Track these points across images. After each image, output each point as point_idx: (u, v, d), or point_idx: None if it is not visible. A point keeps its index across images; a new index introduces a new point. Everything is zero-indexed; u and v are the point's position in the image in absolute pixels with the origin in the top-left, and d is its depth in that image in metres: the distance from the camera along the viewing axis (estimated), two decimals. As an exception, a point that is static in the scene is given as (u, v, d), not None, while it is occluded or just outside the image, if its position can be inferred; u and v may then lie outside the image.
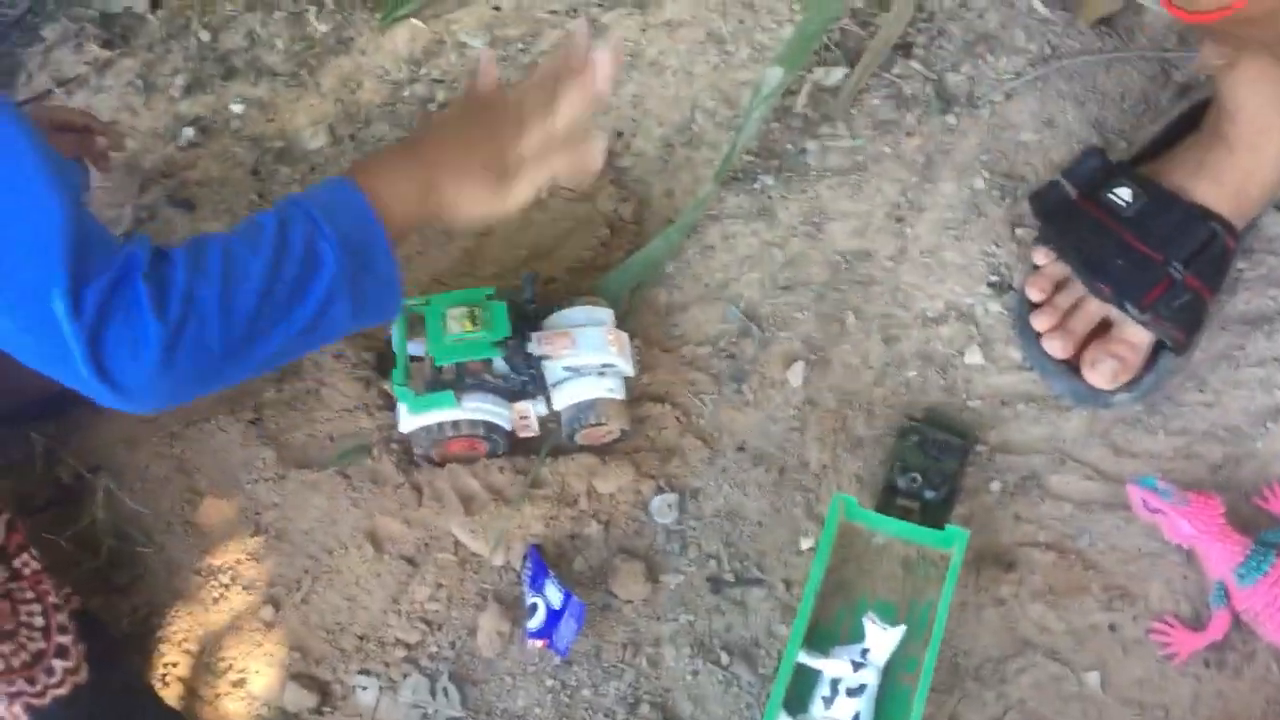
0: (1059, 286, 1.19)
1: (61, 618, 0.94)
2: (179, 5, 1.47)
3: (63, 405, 1.14)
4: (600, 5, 1.47)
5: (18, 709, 0.88)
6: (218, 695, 1.04)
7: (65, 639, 0.93)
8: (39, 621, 0.93)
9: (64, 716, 0.90)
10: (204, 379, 0.78)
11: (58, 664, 0.91)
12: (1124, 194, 1.18)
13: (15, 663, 0.89)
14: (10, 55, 1.43)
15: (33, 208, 0.73)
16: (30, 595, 0.94)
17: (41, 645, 0.91)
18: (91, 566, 1.08)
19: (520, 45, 1.44)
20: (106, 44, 1.44)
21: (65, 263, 0.72)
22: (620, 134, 1.36)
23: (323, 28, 1.46)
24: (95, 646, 0.94)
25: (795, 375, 1.20)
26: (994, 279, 1.26)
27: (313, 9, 1.47)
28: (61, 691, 0.90)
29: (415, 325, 1.13)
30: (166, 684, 1.04)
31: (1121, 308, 1.15)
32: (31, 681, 0.89)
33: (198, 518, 1.11)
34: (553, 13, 1.47)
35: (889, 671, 1.02)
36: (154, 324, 0.73)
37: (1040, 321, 1.17)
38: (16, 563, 0.96)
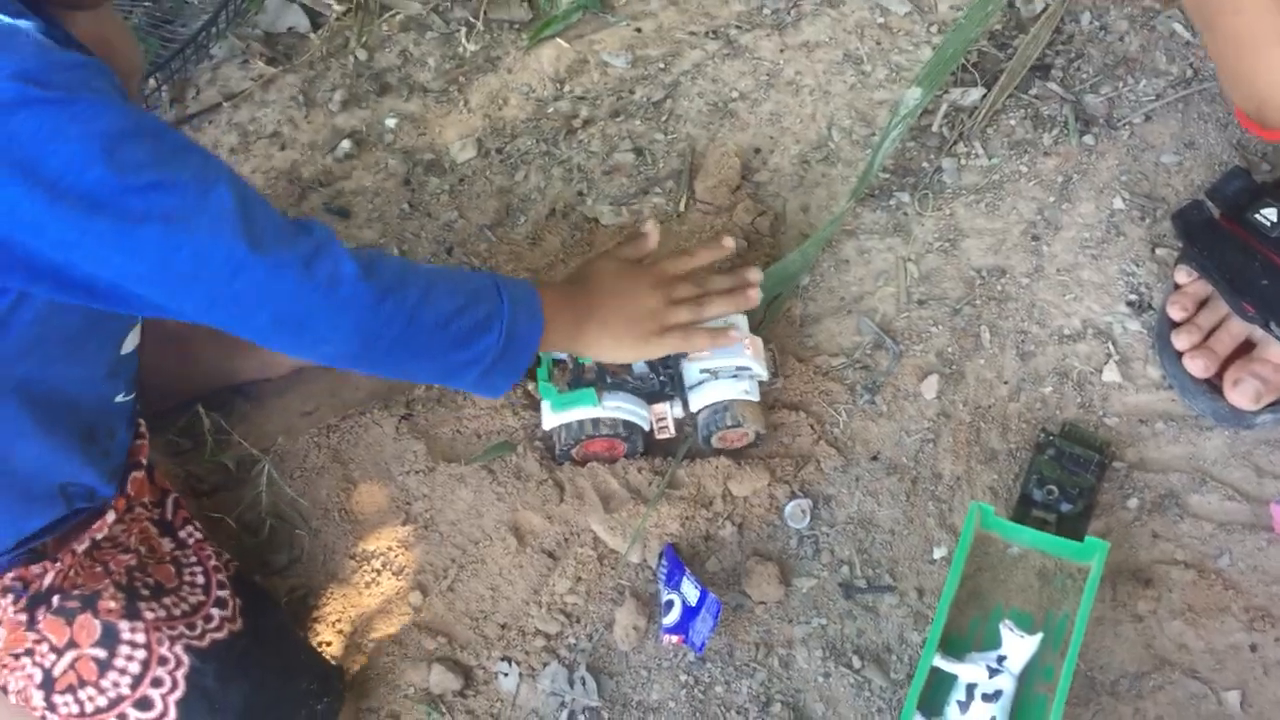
0: (1201, 306, 1.18)
1: (221, 577, 1.02)
2: (338, 25, 1.55)
3: (227, 398, 1.21)
4: (739, 27, 1.51)
5: (179, 649, 0.96)
6: (367, 675, 1.09)
7: (224, 593, 1.01)
8: (200, 580, 1.02)
9: (222, 656, 0.98)
10: (368, 345, 0.88)
11: (216, 612, 1.00)
12: (1270, 214, 1.17)
13: (176, 612, 0.98)
14: (181, 71, 1.52)
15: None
16: (193, 559, 1.03)
17: (201, 598, 1.01)
18: (253, 544, 1.14)
19: (661, 65, 1.48)
20: (271, 61, 1.52)
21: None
22: (758, 150, 1.39)
23: (472, 47, 1.52)
24: (250, 602, 1.03)
25: (929, 388, 1.21)
26: (1133, 298, 1.26)
27: (463, 30, 1.54)
28: (220, 635, 0.99)
29: (560, 328, 1.17)
30: (320, 662, 1.09)
31: (1266, 327, 1.14)
32: (191, 627, 0.98)
33: (352, 505, 1.16)
34: (692, 34, 1.51)
35: (1024, 680, 1.02)
36: (363, 282, 0.85)
37: (1182, 340, 1.17)
38: (182, 534, 1.05)
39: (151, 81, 1.50)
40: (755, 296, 1.12)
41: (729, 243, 1.15)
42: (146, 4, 1.57)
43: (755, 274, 1.14)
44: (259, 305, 0.83)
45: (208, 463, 1.17)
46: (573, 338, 1.03)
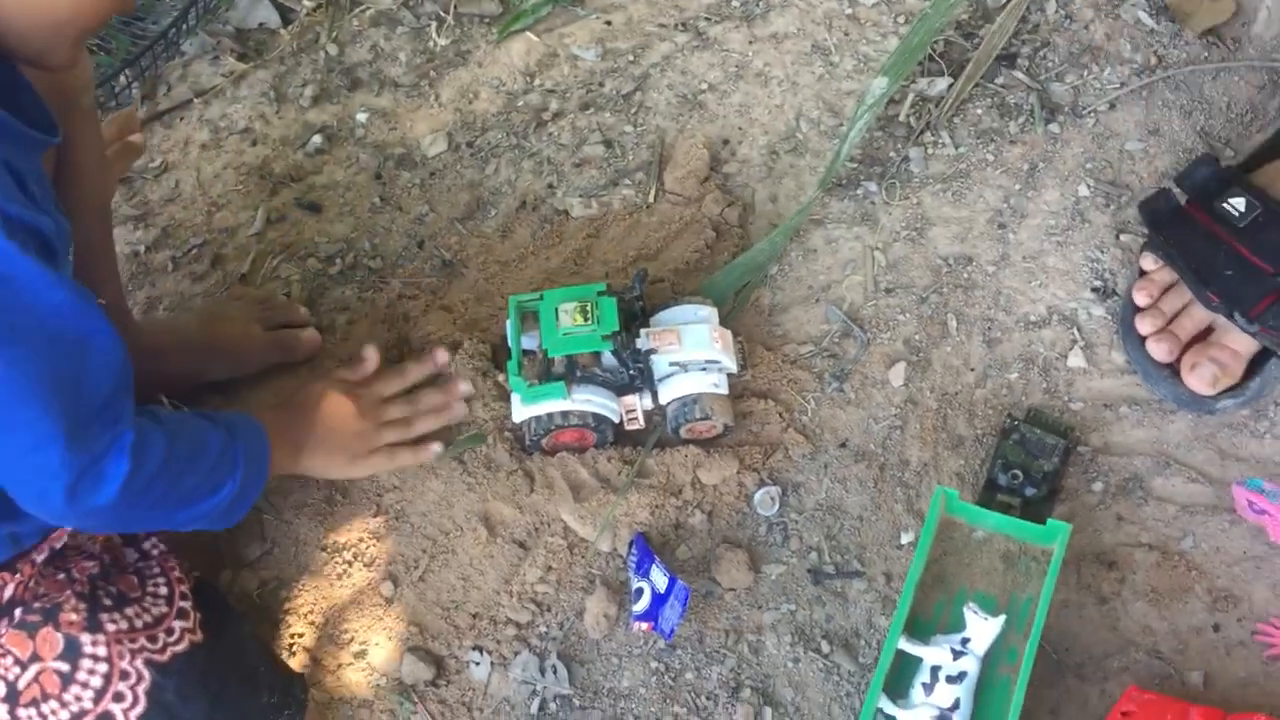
0: (1165, 291, 1.20)
1: (184, 588, 1.02)
2: (309, 21, 1.55)
3: (198, 391, 1.22)
4: (708, 19, 1.51)
5: (139, 663, 0.96)
6: (340, 665, 1.10)
7: (186, 604, 1.01)
8: (163, 590, 1.02)
9: (182, 671, 0.98)
10: (134, 523, 0.97)
11: (178, 624, 1.00)
12: (1238, 204, 1.18)
13: (138, 624, 0.98)
14: (152, 68, 1.52)
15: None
16: (156, 570, 1.03)
17: (164, 609, 1.00)
18: (224, 537, 1.14)
19: (630, 57, 1.49)
20: (241, 57, 1.53)
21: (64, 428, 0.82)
22: (726, 141, 1.40)
23: (442, 42, 1.53)
24: (211, 614, 1.03)
25: (897, 375, 1.23)
26: (1098, 284, 1.27)
27: (433, 24, 1.54)
28: (180, 649, 0.99)
29: (528, 321, 1.18)
30: (293, 653, 1.10)
31: (1230, 317, 1.15)
32: (153, 640, 0.98)
33: (322, 500, 1.16)
34: (661, 26, 1.52)
35: (989, 662, 1.03)
36: (121, 485, 0.87)
37: (1145, 325, 1.18)
38: (146, 544, 1.05)
39: (122, 78, 1.50)
40: (461, 410, 1.17)
41: (441, 357, 1.19)
42: (117, 1, 1.57)
43: (464, 388, 1.18)
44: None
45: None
46: (293, 461, 1.08)
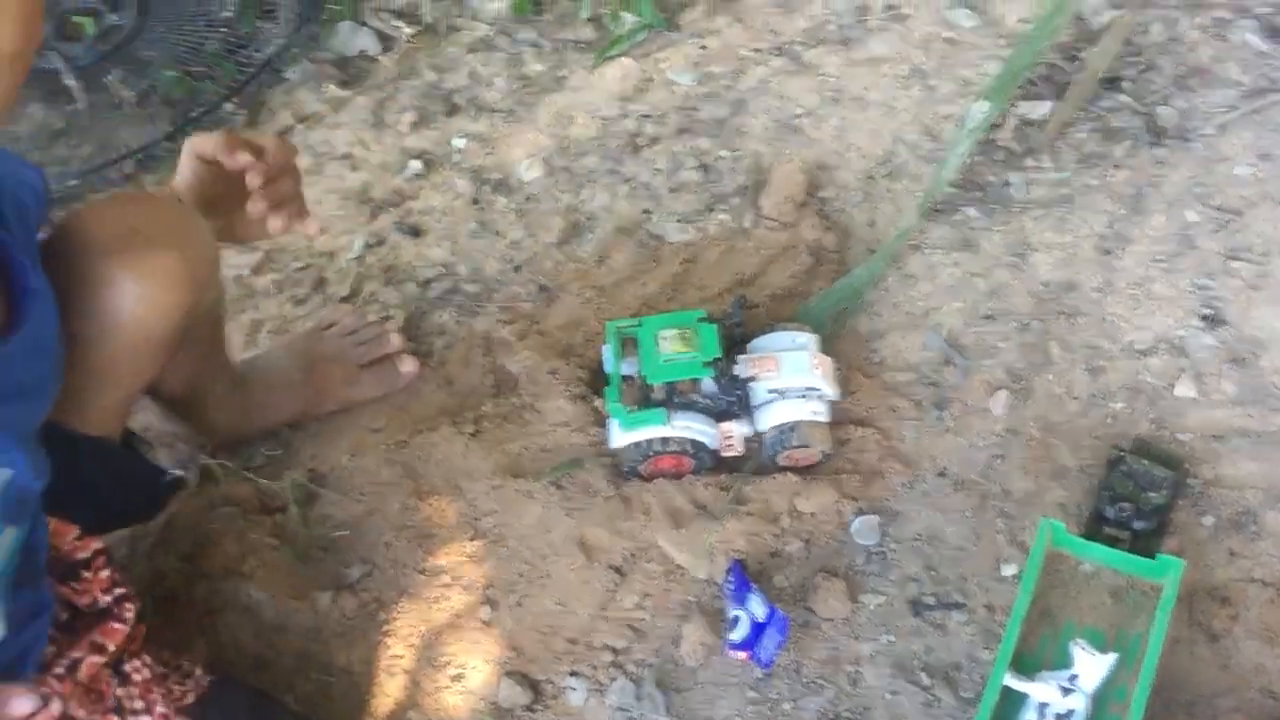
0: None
1: None
2: (408, 48, 1.57)
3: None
4: (804, 43, 1.51)
5: None
6: (438, 689, 1.10)
7: None
8: None
9: None
10: None
11: None
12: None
13: None
14: (257, 94, 1.56)
15: None
16: (140, 705, 0.93)
17: None
18: (323, 560, 1.16)
19: (726, 83, 1.49)
20: (343, 84, 1.56)
21: None
22: (824, 166, 1.39)
23: (539, 68, 1.54)
24: None
25: (998, 404, 1.21)
26: (1207, 312, 1.24)
27: (530, 50, 1.56)
28: None
29: (627, 346, 1.18)
30: (391, 675, 1.11)
31: None
32: None
33: (422, 520, 1.18)
34: (757, 51, 1.52)
35: (1098, 701, 1.01)
36: None
37: None
38: (128, 667, 0.94)
39: (228, 105, 1.54)
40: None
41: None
42: (223, 30, 1.61)
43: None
44: None
45: (276, 483, 1.19)
46: None
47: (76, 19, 1.60)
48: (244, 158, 0.98)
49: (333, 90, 1.55)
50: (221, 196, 1.02)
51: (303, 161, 1.48)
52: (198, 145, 0.99)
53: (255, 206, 0.97)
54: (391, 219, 1.43)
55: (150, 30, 1.61)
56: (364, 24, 1.61)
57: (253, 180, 0.97)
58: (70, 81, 1.55)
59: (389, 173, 1.47)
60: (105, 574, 0.93)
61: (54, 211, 0.99)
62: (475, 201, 1.43)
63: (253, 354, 1.28)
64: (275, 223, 1.02)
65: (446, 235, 1.41)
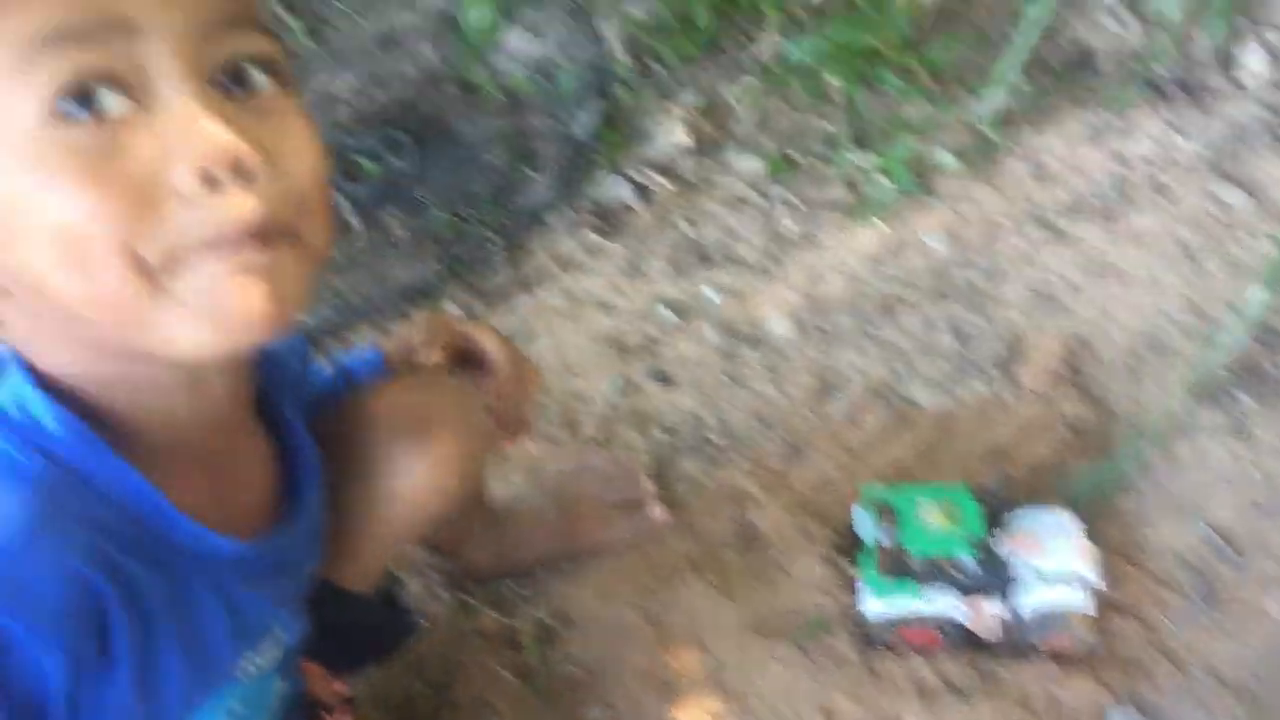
0: None
1: None
2: (666, 200, 1.63)
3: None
4: (1063, 213, 1.50)
5: None
6: None
7: None
8: None
9: None
10: None
11: None
12: None
13: None
14: (519, 236, 1.64)
15: None
16: None
17: None
18: (563, 703, 1.17)
19: (981, 249, 1.49)
20: (601, 232, 1.62)
21: None
22: (1084, 340, 1.37)
23: (792, 225, 1.58)
24: None
25: (1276, 605, 1.14)
26: None
27: (783, 208, 1.60)
28: None
29: (883, 513, 1.17)
30: (630, 828, 1.11)
31: None
32: None
33: (664, 670, 1.18)
34: (1014, 219, 1.51)
35: None
36: None
37: None
38: None
39: (494, 246, 1.62)
40: None
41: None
42: (492, 175, 1.70)
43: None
44: None
45: (520, 620, 1.22)
46: None
47: (360, 160, 1.72)
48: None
49: (591, 237, 1.61)
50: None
51: (560, 304, 1.56)
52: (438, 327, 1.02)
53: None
54: (643, 365, 1.47)
55: (426, 173, 1.72)
56: (624, 176, 1.68)
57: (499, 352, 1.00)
58: (351, 218, 1.67)
59: (642, 320, 1.52)
60: None
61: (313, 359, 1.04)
62: (725, 353, 1.46)
63: (508, 491, 1.32)
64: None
65: (696, 385, 1.43)
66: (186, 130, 0.62)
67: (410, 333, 1.02)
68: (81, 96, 0.61)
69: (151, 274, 0.63)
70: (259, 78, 0.67)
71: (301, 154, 0.67)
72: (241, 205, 0.63)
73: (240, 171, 0.63)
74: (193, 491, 0.72)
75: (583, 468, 1.31)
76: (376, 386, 0.98)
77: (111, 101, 0.62)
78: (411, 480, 0.94)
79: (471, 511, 1.20)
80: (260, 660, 0.80)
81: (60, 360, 0.69)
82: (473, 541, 1.21)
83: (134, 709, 0.68)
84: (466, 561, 1.23)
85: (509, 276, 1.60)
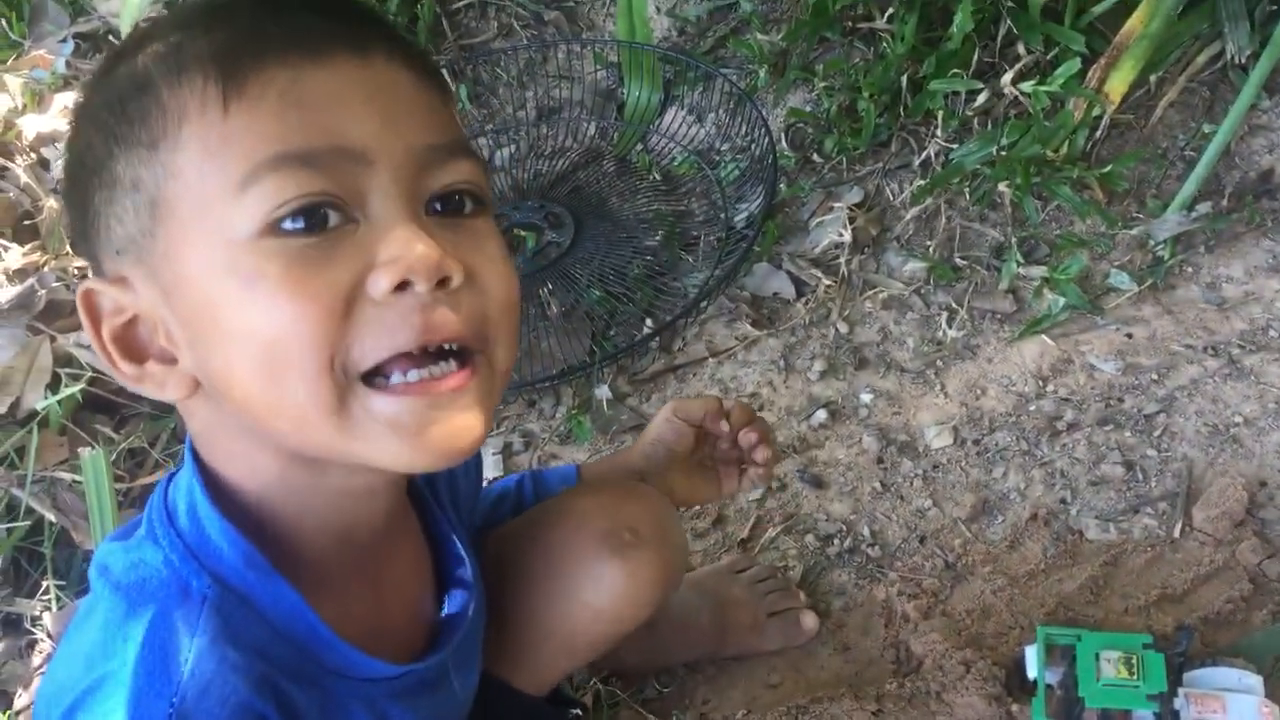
0: None
1: None
2: (823, 297, 1.61)
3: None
4: (1241, 346, 1.45)
5: None
6: None
7: None
8: None
9: None
10: None
11: None
12: None
13: None
14: (677, 329, 1.62)
15: None
16: None
17: None
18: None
19: (1153, 376, 1.44)
20: (755, 323, 1.60)
21: None
22: (1264, 484, 1.31)
23: (953, 333, 1.54)
24: None
25: None
26: None
27: (944, 314, 1.56)
28: None
29: (1052, 653, 1.13)
30: None
31: None
32: None
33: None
34: (1189, 347, 1.47)
35: None
36: None
37: None
38: None
39: (647, 331, 1.61)
40: None
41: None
42: (647, 257, 1.70)
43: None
44: None
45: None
46: None
47: (520, 232, 1.73)
48: (725, 425, 1.03)
49: (746, 328, 1.60)
50: (688, 456, 1.06)
51: (712, 393, 1.54)
52: (683, 409, 1.04)
53: (742, 477, 1.04)
54: (795, 465, 1.44)
55: (581, 248, 1.72)
56: (780, 268, 1.66)
57: (762, 455, 1.04)
58: (506, 288, 1.67)
59: (795, 418, 1.49)
60: None
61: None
62: (880, 461, 1.43)
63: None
64: (732, 484, 1.09)
65: (849, 492, 1.40)
66: (395, 244, 0.64)
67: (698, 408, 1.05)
68: (301, 213, 0.63)
69: (345, 385, 0.64)
70: (464, 201, 0.69)
71: (498, 275, 0.68)
72: (443, 319, 0.64)
73: (443, 286, 0.64)
74: (348, 608, 0.72)
75: (736, 571, 1.29)
76: (575, 489, 0.97)
77: (329, 218, 0.64)
78: (612, 595, 0.93)
79: None
80: None
81: (234, 456, 0.70)
82: (626, 642, 1.19)
83: None
84: (617, 660, 1.21)
85: (661, 361, 1.58)
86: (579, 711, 1.18)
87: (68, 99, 1.99)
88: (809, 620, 1.26)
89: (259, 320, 0.63)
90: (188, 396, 0.68)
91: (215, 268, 0.63)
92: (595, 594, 0.93)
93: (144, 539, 0.70)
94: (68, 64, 2.07)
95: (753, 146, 1.79)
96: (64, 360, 1.51)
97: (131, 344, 0.67)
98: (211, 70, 0.62)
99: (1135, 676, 1.07)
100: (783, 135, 1.79)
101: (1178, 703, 1.08)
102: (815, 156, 1.77)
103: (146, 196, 0.64)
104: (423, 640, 0.82)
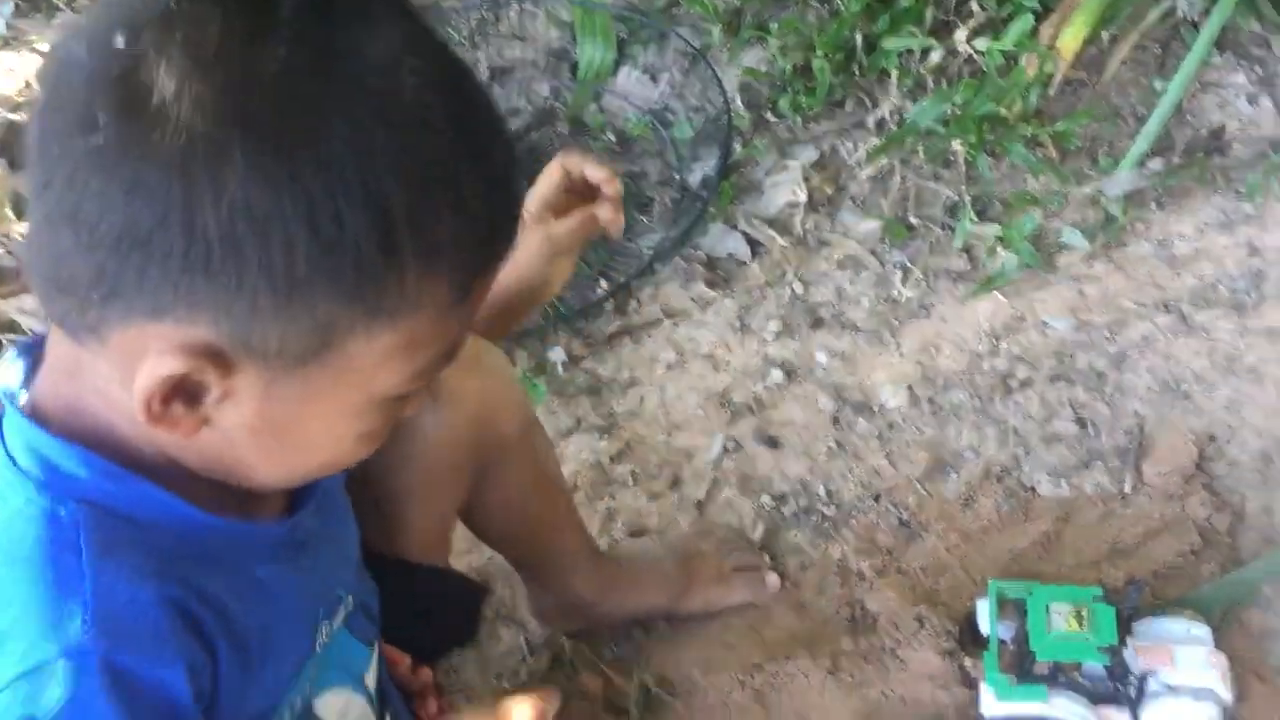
0: None
1: None
2: (779, 257, 1.61)
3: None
4: (1192, 303, 1.46)
5: None
6: None
7: None
8: None
9: None
10: None
11: None
12: None
13: None
14: (627, 289, 1.61)
15: None
16: None
17: None
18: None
19: (1106, 333, 1.45)
20: (710, 284, 1.60)
21: None
22: (1214, 438, 1.33)
23: (907, 292, 1.54)
24: None
25: None
26: None
27: (899, 274, 1.56)
28: None
29: (1005, 608, 1.14)
30: None
31: None
32: None
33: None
34: (1140, 304, 1.48)
35: None
36: None
37: None
38: None
39: (601, 292, 1.60)
40: None
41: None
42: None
43: None
44: None
45: (626, 682, 1.19)
46: None
47: (472, 194, 1.71)
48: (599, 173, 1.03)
49: (701, 289, 1.59)
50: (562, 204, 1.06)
51: (667, 355, 1.53)
52: (570, 161, 1.05)
53: (611, 211, 1.03)
54: (750, 426, 1.44)
55: (535, 210, 1.70)
56: (735, 228, 1.65)
57: (610, 188, 1.02)
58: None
59: (750, 378, 1.49)
60: (433, 704, 0.97)
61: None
62: (835, 420, 1.43)
63: (632, 549, 1.30)
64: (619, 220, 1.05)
65: (804, 451, 1.41)
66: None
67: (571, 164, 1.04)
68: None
69: None
70: None
71: None
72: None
73: None
74: (214, 497, 0.71)
75: (704, 531, 1.29)
76: None
77: None
78: (424, 427, 0.93)
79: (564, 534, 1.17)
80: (332, 626, 0.81)
81: (142, 434, 0.66)
82: (580, 576, 1.18)
83: (243, 695, 0.70)
84: (576, 595, 1.20)
85: (616, 322, 1.57)
86: (485, 584, 1.17)
87: (9, 60, 1.95)
88: (773, 578, 1.26)
89: (342, 455, 0.69)
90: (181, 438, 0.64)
91: (344, 408, 0.65)
92: (409, 435, 0.93)
93: None
94: (8, 25, 2.02)
95: (707, 106, 1.78)
96: (6, 326, 1.49)
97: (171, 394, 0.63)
98: (457, 279, 0.62)
99: (1085, 629, 1.08)
100: (737, 95, 1.77)
101: (1127, 654, 1.09)
102: (770, 116, 1.76)
103: (325, 336, 0.60)
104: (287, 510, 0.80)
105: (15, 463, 0.67)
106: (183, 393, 0.61)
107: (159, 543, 0.67)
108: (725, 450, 1.42)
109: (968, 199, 1.60)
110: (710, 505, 1.37)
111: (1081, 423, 1.37)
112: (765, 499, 1.36)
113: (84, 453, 0.66)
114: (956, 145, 1.62)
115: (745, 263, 1.62)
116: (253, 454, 0.66)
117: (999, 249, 1.55)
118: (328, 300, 0.58)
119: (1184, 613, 1.14)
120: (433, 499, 1.02)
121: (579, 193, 1.04)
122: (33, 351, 0.69)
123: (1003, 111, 1.63)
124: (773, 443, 1.42)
